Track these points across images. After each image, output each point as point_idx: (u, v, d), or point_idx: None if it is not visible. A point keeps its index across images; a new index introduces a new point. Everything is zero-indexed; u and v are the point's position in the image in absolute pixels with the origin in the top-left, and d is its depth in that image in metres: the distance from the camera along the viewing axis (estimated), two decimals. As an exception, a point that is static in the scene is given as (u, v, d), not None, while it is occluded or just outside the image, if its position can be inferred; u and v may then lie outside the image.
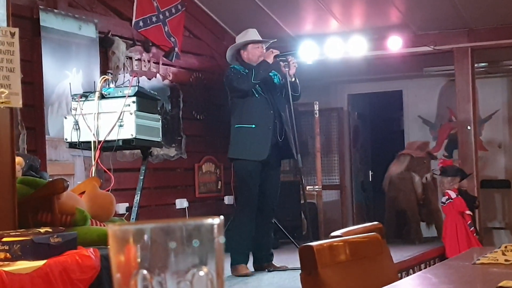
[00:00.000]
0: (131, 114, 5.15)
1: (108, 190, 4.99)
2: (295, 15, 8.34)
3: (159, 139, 5.49)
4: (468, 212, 7.62)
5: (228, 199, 8.70)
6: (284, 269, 6.08)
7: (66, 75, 6.40)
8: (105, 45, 6.95)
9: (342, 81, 10.30)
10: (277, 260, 6.23)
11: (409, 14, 8.15)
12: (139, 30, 7.42)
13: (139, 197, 5.38)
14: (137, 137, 5.16)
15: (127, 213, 6.59)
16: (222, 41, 8.62)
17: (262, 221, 6.07)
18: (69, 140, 5.33)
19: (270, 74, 6.12)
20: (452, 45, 8.33)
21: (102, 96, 5.27)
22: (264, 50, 6.17)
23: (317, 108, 9.23)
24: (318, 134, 9.33)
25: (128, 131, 5.15)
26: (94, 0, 7.08)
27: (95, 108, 5.24)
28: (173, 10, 7.86)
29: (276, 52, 6.11)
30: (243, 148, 5.97)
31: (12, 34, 3.96)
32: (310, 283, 2.01)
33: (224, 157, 7.49)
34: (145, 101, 5.33)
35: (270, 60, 6.03)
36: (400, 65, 9.30)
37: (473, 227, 7.64)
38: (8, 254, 3.45)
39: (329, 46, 8.38)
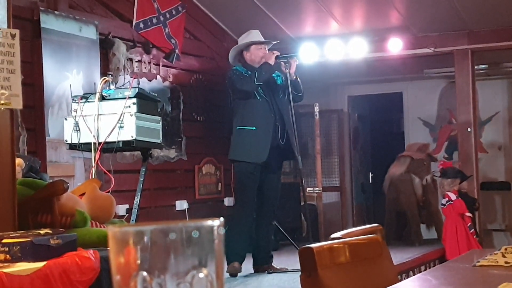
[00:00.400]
0: (131, 115, 5.16)
1: (108, 192, 4.99)
2: (296, 16, 8.34)
3: (159, 141, 5.49)
4: (468, 214, 7.62)
5: (228, 201, 8.70)
6: (284, 271, 6.08)
7: (66, 76, 6.40)
8: (105, 46, 6.95)
9: (342, 82, 10.30)
10: (277, 262, 6.23)
11: (409, 16, 8.15)
12: (139, 32, 7.43)
13: (139, 198, 5.38)
14: (137, 138, 5.17)
15: (127, 214, 6.59)
16: (222, 42, 8.63)
17: (262, 223, 6.07)
18: (69, 141, 5.33)
19: (273, 75, 6.12)
20: (452, 47, 8.33)
21: (103, 98, 5.27)
22: (267, 52, 6.17)
23: (317, 110, 9.23)
24: (318, 136, 9.33)
25: (128, 133, 5.15)
26: (94, 2, 7.09)
27: (95, 109, 5.24)
28: (174, 12, 7.86)
29: (277, 53, 6.11)
30: (243, 150, 5.98)
31: (13, 36, 3.96)
32: (310, 285, 2.01)
33: (224, 158, 7.51)
34: (145, 102, 5.33)
35: (272, 61, 6.04)
36: (400, 67, 9.31)
37: (473, 229, 7.64)
38: (8, 256, 3.45)
39: (329, 48, 8.38)
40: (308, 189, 8.78)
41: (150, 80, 7.69)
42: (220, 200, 8.74)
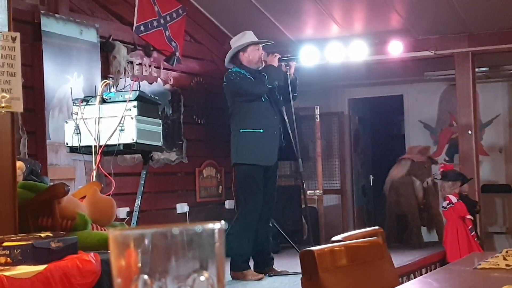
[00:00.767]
0: (132, 118, 5.16)
1: (108, 195, 4.99)
2: (296, 19, 8.35)
3: (160, 144, 5.49)
4: (469, 216, 7.62)
5: (229, 204, 8.70)
6: (285, 273, 6.07)
7: (67, 79, 6.40)
8: (106, 49, 6.95)
9: (343, 85, 10.30)
10: (277, 265, 6.22)
11: (410, 18, 8.15)
12: (140, 35, 7.43)
13: (139, 201, 5.38)
14: (138, 141, 5.17)
15: (128, 217, 6.59)
16: (223, 45, 8.63)
17: (262, 225, 6.06)
18: (70, 144, 5.33)
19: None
20: (453, 50, 8.33)
21: (103, 101, 5.27)
22: (262, 52, 6.15)
23: (318, 113, 9.24)
24: (319, 139, 9.33)
25: (129, 136, 5.15)
26: (95, 5, 7.09)
27: (96, 112, 5.25)
28: (174, 15, 7.87)
29: (278, 55, 6.10)
30: (252, 153, 5.90)
31: (13, 39, 3.97)
32: (311, 288, 2.01)
33: (225, 161, 7.50)
34: (146, 105, 5.33)
35: (276, 64, 6.03)
36: (401, 70, 9.31)
37: (474, 232, 7.63)
38: (8, 259, 3.45)
39: (330, 50, 8.38)
40: (308, 191, 8.78)
41: (150, 83, 7.69)
42: (220, 203, 8.74)
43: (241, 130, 5.94)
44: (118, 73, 7.05)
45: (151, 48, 7.64)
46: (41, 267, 3.41)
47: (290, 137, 6.13)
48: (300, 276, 2.05)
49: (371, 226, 2.72)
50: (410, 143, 9.99)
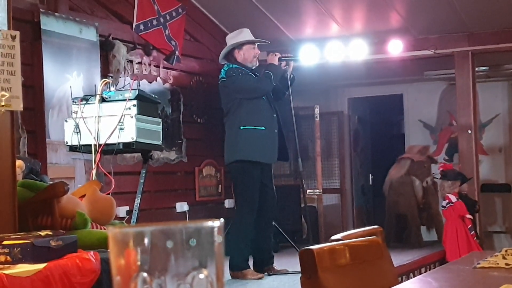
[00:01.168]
0: (131, 117, 5.16)
1: (108, 194, 4.99)
2: (296, 19, 8.35)
3: (159, 143, 5.49)
4: (468, 216, 7.62)
5: (228, 203, 8.70)
6: (284, 272, 6.07)
7: (66, 78, 6.40)
8: (105, 48, 6.95)
9: (342, 85, 10.30)
10: (277, 264, 6.22)
11: (410, 18, 8.15)
12: (139, 34, 7.43)
13: (139, 200, 5.38)
14: (137, 140, 5.17)
15: (128, 216, 6.59)
16: (222, 44, 8.57)
17: (263, 224, 6.05)
18: (69, 143, 5.33)
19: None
20: (453, 49, 8.33)
21: (103, 100, 5.27)
22: (258, 51, 6.14)
23: (318, 112, 9.24)
24: (318, 138, 9.33)
25: (128, 135, 5.15)
26: (94, 4, 7.09)
27: (95, 111, 5.24)
28: (174, 14, 7.86)
29: (279, 54, 6.10)
30: (254, 149, 5.86)
31: (13, 37, 3.97)
32: (310, 287, 2.01)
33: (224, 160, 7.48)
34: (145, 104, 5.33)
35: (276, 62, 6.03)
36: (401, 69, 9.31)
37: (473, 231, 7.63)
38: (8, 257, 3.45)
39: (329, 50, 8.38)
40: (308, 191, 8.79)
41: (150, 82, 7.69)
42: (220, 202, 8.74)
43: (241, 128, 5.90)
44: (118, 72, 7.05)
45: (151, 47, 7.64)
46: (40, 266, 3.41)
47: (284, 138, 6.11)
48: (300, 275, 2.06)
49: (371, 226, 2.72)
50: (409, 142, 9.99)
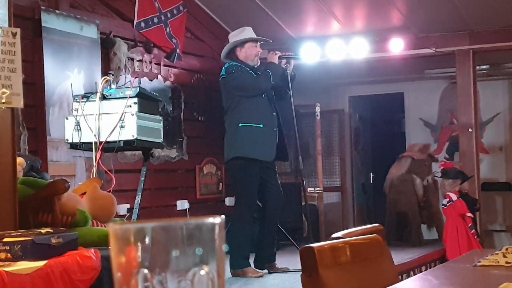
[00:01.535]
0: (132, 115, 5.16)
1: (109, 191, 4.99)
2: (297, 17, 8.34)
3: (160, 140, 5.49)
4: (469, 214, 7.62)
5: (229, 201, 8.70)
6: (285, 270, 6.07)
7: (67, 76, 6.40)
8: (106, 46, 6.95)
9: (343, 83, 10.29)
10: (278, 262, 6.22)
11: (411, 16, 8.14)
12: (140, 31, 7.43)
13: (140, 198, 5.38)
14: (138, 138, 5.17)
15: (128, 214, 6.59)
16: (223, 42, 8.58)
17: (266, 223, 6.05)
18: (70, 141, 5.33)
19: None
20: (454, 47, 8.33)
21: (104, 97, 5.27)
22: (260, 50, 6.14)
23: (318, 110, 9.23)
24: (319, 136, 9.33)
25: (129, 132, 5.15)
26: (95, 1, 7.09)
27: (96, 109, 5.24)
28: (175, 11, 7.86)
29: (279, 53, 6.10)
30: (251, 147, 5.86)
31: (14, 35, 3.96)
32: (311, 285, 2.01)
33: (225, 158, 7.48)
34: (146, 102, 5.33)
35: (276, 61, 6.03)
36: (402, 67, 9.30)
37: (474, 230, 7.63)
38: (8, 255, 3.45)
39: (330, 48, 8.38)
40: (309, 189, 8.78)
41: (151, 80, 7.69)
42: (221, 200, 8.74)
43: (240, 125, 5.91)
44: (119, 69, 7.05)
45: (152, 45, 7.64)
46: (41, 263, 3.41)
47: (283, 137, 6.10)
48: (300, 273, 2.06)
49: (371, 224, 2.72)
50: (410, 141, 9.99)
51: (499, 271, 2.20)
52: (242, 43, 6.08)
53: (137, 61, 7.49)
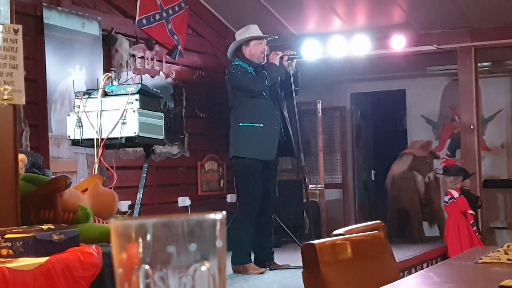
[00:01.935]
0: (134, 111, 5.15)
1: (110, 188, 4.99)
2: (299, 13, 8.34)
3: (161, 137, 5.49)
4: (470, 211, 7.62)
5: (230, 198, 8.70)
6: (286, 267, 6.08)
7: (69, 72, 6.40)
8: (108, 42, 6.95)
9: (345, 80, 10.29)
10: (279, 259, 6.23)
11: (413, 13, 8.14)
12: (142, 28, 7.43)
13: (141, 195, 5.38)
14: (140, 134, 5.16)
15: (130, 210, 6.60)
16: (225, 39, 8.62)
17: (264, 220, 6.07)
18: (72, 137, 5.33)
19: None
20: (456, 44, 8.32)
21: (105, 94, 5.27)
22: (266, 47, 6.15)
23: (320, 107, 9.23)
24: (320, 133, 9.32)
25: (131, 129, 5.15)
26: (97, -2, 7.09)
27: (98, 105, 5.24)
28: (177, 8, 7.86)
29: (280, 54, 6.10)
30: (252, 147, 5.92)
31: (16, 31, 3.96)
32: (312, 281, 2.02)
33: (226, 155, 7.48)
34: (148, 99, 5.33)
35: (277, 62, 6.03)
36: (403, 64, 9.30)
37: (475, 227, 7.63)
38: (10, 251, 3.45)
39: (332, 45, 8.37)
40: (310, 186, 8.78)
41: (152, 77, 7.69)
42: (222, 196, 8.74)
43: (240, 124, 5.96)
44: (120, 66, 7.05)
45: (153, 42, 7.64)
46: (43, 259, 3.41)
47: (289, 133, 6.13)
48: (302, 269, 2.06)
49: (373, 221, 2.72)
50: (412, 138, 9.98)
51: (500, 268, 2.20)
52: (247, 41, 6.10)
53: (139, 58, 7.49)
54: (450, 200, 7.66)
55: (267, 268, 6.07)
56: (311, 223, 6.90)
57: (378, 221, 2.62)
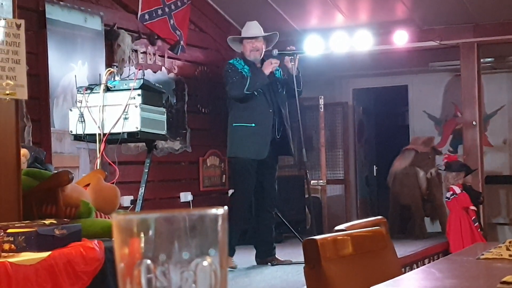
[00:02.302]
0: (136, 107, 5.15)
1: (112, 183, 4.99)
2: (301, 9, 8.33)
3: (164, 132, 5.49)
4: (472, 207, 7.62)
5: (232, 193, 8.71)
6: (288, 263, 6.09)
7: (71, 67, 6.40)
8: (110, 37, 6.95)
9: (347, 75, 10.28)
10: (281, 254, 6.24)
11: (415, 8, 8.13)
12: (144, 23, 7.42)
13: (143, 190, 5.38)
14: (142, 130, 5.17)
15: (132, 206, 6.60)
16: (227, 34, 8.58)
17: (264, 216, 6.08)
18: (74, 132, 5.33)
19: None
20: (458, 40, 8.31)
21: (107, 89, 5.27)
22: (260, 45, 6.15)
23: (322, 103, 9.21)
24: (322, 129, 9.32)
25: (133, 124, 5.15)
26: (99, -7, 7.08)
27: (100, 100, 5.24)
28: (179, 3, 7.85)
29: (276, 64, 6.02)
30: (243, 147, 5.96)
31: (18, 26, 3.96)
32: (314, 277, 2.02)
33: (228, 150, 7.50)
34: (150, 94, 5.33)
35: (267, 71, 5.98)
36: (406, 60, 9.29)
37: (477, 223, 7.63)
38: (12, 245, 3.46)
39: (334, 40, 8.36)
40: (312, 182, 8.77)
41: (155, 72, 7.69)
42: (224, 192, 8.75)
43: (234, 124, 6.05)
44: (123, 61, 7.05)
45: (156, 37, 7.63)
46: (45, 254, 3.42)
47: (287, 132, 6.11)
48: (303, 265, 2.06)
49: (375, 216, 2.72)
50: (414, 133, 9.98)
51: (502, 264, 2.20)
52: (240, 40, 6.20)
53: (141, 53, 7.49)
54: (452, 196, 7.65)
55: (269, 263, 6.08)
56: (313, 219, 6.91)
57: (380, 217, 2.61)
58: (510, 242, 2.46)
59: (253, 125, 5.96)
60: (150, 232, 0.68)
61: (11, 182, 3.95)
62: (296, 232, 7.14)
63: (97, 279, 3.66)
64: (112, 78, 5.45)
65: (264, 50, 6.22)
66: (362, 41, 8.31)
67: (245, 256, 6.25)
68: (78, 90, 5.42)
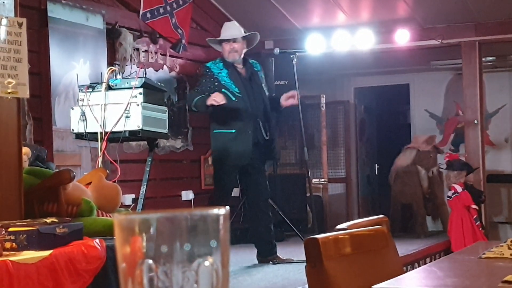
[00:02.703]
0: (137, 105, 5.15)
1: (114, 181, 4.99)
2: (303, 7, 8.32)
3: (165, 131, 5.49)
4: (474, 206, 7.62)
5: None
6: (289, 261, 6.08)
7: (73, 66, 6.40)
8: (112, 36, 6.95)
9: (349, 74, 10.28)
10: (282, 253, 6.23)
11: (417, 7, 8.12)
12: (146, 22, 7.42)
13: (145, 188, 5.38)
14: (143, 128, 5.16)
15: (133, 204, 6.60)
16: (229, 33, 8.60)
17: (261, 216, 6.07)
18: (75, 131, 5.33)
19: (256, 69, 6.10)
20: (460, 39, 8.30)
21: (109, 87, 5.27)
22: (239, 46, 6.10)
23: (324, 101, 9.22)
24: (324, 127, 9.33)
25: (134, 123, 5.15)
26: (101, -9, 7.08)
27: (102, 99, 5.24)
28: (181, 2, 7.85)
29: (223, 102, 5.71)
30: (224, 154, 5.90)
31: (20, 24, 3.97)
32: (315, 276, 2.02)
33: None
34: (152, 92, 5.33)
35: (216, 102, 5.71)
36: (407, 59, 9.28)
37: (479, 222, 7.63)
38: (14, 244, 3.46)
39: (336, 39, 8.36)
40: (314, 180, 8.78)
41: (156, 70, 7.69)
42: (225, 190, 8.74)
43: (214, 131, 5.99)
44: (124, 60, 7.05)
45: (157, 35, 7.63)
46: (46, 253, 3.42)
47: (272, 136, 6.04)
48: (305, 264, 2.06)
49: (376, 215, 2.72)
50: (415, 132, 9.98)
51: (504, 263, 2.20)
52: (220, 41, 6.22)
53: (143, 51, 7.49)
54: (454, 195, 7.65)
55: (270, 262, 6.08)
56: (315, 217, 6.91)
57: (381, 216, 2.62)
58: (511, 241, 2.46)
59: (233, 131, 5.89)
60: (152, 232, 0.68)
61: (12, 181, 3.95)
62: (297, 231, 7.14)
63: (98, 278, 3.66)
64: (114, 77, 5.45)
65: (244, 50, 6.16)
66: (364, 40, 8.30)
67: (246, 255, 6.25)
68: (79, 89, 5.42)
